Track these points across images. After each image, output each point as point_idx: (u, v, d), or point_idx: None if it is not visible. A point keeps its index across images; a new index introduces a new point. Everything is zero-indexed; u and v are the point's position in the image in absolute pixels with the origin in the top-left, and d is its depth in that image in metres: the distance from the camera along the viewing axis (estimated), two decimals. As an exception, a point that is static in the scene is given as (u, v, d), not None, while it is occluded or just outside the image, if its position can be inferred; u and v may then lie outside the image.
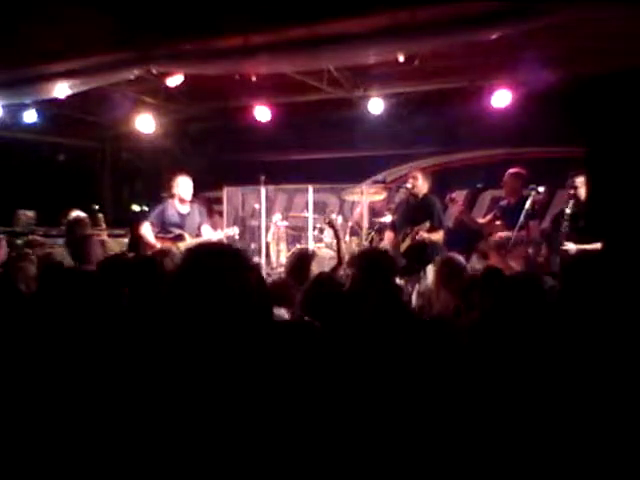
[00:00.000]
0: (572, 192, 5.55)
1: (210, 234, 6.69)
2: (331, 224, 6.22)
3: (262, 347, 1.53)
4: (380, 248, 5.89)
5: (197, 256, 1.60)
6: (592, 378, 2.03)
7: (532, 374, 2.10)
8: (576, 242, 5.42)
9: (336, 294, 3.24)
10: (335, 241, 6.27)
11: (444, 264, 4.21)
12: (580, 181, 5.56)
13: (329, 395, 1.72)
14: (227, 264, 1.56)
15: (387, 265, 3.40)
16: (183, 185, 6.59)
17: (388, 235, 6.75)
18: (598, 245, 5.37)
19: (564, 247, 5.40)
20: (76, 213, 7.55)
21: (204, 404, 1.43)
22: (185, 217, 6.63)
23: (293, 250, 7.96)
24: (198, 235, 6.63)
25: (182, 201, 6.61)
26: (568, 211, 5.48)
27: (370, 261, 3.39)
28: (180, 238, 6.47)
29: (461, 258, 4.31)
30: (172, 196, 6.66)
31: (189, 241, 6.45)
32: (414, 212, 6.39)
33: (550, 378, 2.08)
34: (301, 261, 4.51)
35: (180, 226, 6.57)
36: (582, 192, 5.55)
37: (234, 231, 7.05)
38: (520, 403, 1.99)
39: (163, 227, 6.56)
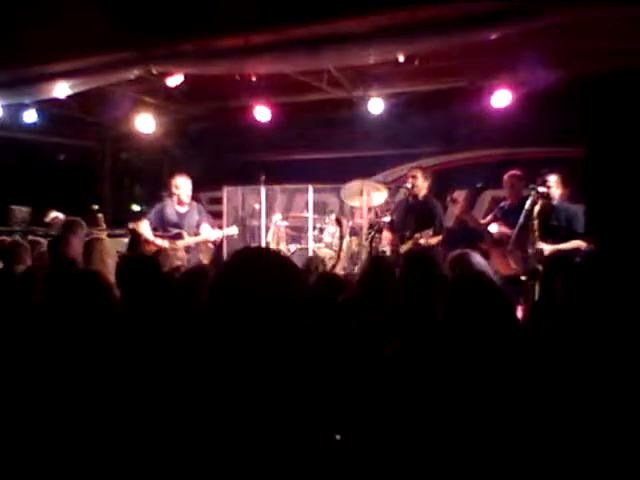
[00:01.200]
0: (545, 191, 5.57)
1: (209, 233, 6.69)
2: (339, 222, 6.24)
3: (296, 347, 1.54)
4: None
5: (248, 260, 1.60)
6: (587, 382, 2.03)
7: (527, 376, 2.10)
8: (548, 241, 5.45)
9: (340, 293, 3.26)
10: (338, 239, 6.30)
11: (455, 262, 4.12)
12: (553, 180, 5.59)
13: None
14: (277, 271, 1.56)
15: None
16: (182, 186, 6.59)
17: (386, 235, 6.74)
18: (573, 243, 5.42)
19: (538, 247, 5.42)
20: (55, 214, 7.53)
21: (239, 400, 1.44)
22: (184, 216, 6.64)
23: (294, 251, 7.99)
24: (197, 234, 6.64)
25: (181, 202, 6.61)
26: (537, 208, 5.51)
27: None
28: (178, 237, 6.48)
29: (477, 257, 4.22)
30: (171, 196, 6.66)
31: (187, 240, 6.48)
32: (415, 214, 6.36)
33: (545, 378, 2.08)
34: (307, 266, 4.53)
35: (179, 225, 6.58)
36: (554, 192, 5.58)
37: (233, 231, 7.05)
38: (516, 402, 1.99)
39: (161, 226, 6.56)
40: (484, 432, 1.86)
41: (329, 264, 5.61)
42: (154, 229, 6.53)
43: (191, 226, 6.64)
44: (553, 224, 5.56)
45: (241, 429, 1.41)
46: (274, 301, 1.50)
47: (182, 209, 6.64)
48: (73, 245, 4.93)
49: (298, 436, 1.46)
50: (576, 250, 5.43)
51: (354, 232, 7.76)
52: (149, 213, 6.79)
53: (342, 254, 5.45)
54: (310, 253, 7.65)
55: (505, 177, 6.26)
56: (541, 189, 5.66)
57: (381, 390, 2.02)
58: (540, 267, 5.33)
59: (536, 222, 5.47)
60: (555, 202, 5.61)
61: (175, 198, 6.62)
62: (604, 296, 2.20)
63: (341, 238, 5.58)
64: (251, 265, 1.57)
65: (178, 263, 5.71)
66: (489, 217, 6.42)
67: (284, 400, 1.46)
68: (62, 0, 5.37)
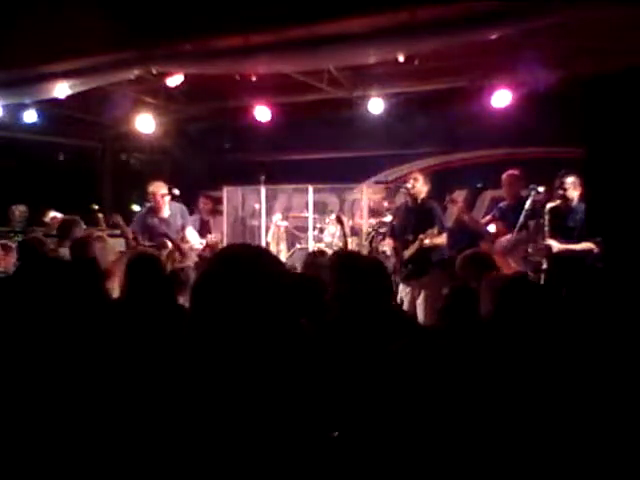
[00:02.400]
0: (562, 192, 5.57)
1: (195, 239, 6.64)
2: (340, 221, 6.25)
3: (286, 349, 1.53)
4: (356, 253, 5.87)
5: (233, 258, 1.60)
6: (589, 381, 2.03)
7: (530, 373, 2.10)
8: (560, 241, 5.46)
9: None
10: (342, 238, 6.31)
11: (473, 260, 4.12)
12: (570, 182, 5.58)
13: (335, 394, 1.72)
14: (263, 268, 1.56)
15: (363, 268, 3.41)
16: (156, 191, 6.49)
17: (388, 242, 6.73)
18: (584, 245, 5.42)
19: (546, 243, 5.43)
20: (53, 214, 7.52)
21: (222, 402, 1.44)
22: (166, 221, 6.54)
23: (293, 251, 8.00)
24: (183, 238, 6.57)
25: (160, 208, 6.52)
26: (550, 205, 5.52)
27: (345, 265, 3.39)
28: (162, 247, 6.39)
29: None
30: (150, 202, 6.59)
31: (171, 249, 6.40)
32: (415, 218, 6.34)
33: (549, 378, 2.08)
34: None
35: (162, 233, 6.49)
36: (571, 193, 5.57)
37: (217, 238, 6.99)
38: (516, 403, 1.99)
39: (145, 234, 6.49)
40: (487, 431, 1.86)
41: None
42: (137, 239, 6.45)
43: (175, 230, 6.54)
44: (569, 225, 5.56)
45: (236, 427, 1.41)
46: (259, 297, 1.49)
47: (163, 214, 6.56)
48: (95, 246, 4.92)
49: (294, 434, 1.45)
50: (588, 252, 5.42)
51: (354, 232, 7.77)
52: (132, 224, 6.71)
53: None
54: (310, 253, 7.66)
55: (503, 177, 6.27)
56: (540, 189, 5.69)
57: (381, 387, 2.02)
58: (545, 263, 5.35)
59: (547, 217, 5.48)
60: (574, 204, 5.61)
61: (154, 204, 6.54)
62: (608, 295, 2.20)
63: (345, 236, 5.61)
64: (233, 262, 1.56)
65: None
66: (488, 217, 6.43)
67: (278, 398, 1.46)
68: (62, 0, 5.37)
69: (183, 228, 6.63)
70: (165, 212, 6.55)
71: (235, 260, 1.57)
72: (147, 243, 6.40)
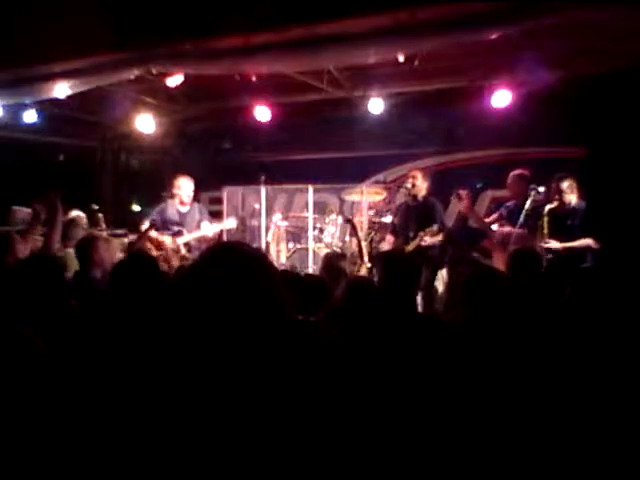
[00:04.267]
0: (558, 197, 5.61)
1: (208, 229, 6.78)
2: (351, 222, 6.30)
3: (271, 347, 1.53)
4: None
5: (217, 255, 1.60)
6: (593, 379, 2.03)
7: (527, 372, 2.10)
8: (560, 240, 5.49)
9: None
10: (356, 242, 6.35)
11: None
12: (566, 186, 5.61)
13: (331, 395, 1.72)
14: (245, 263, 1.56)
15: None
16: (184, 186, 6.71)
17: (389, 239, 6.76)
18: (583, 242, 5.46)
19: (547, 244, 5.48)
20: (76, 212, 7.53)
21: (209, 400, 1.44)
22: (185, 216, 6.79)
23: (293, 251, 8.01)
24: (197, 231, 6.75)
25: (182, 202, 6.71)
26: (549, 207, 5.55)
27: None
28: (178, 234, 6.60)
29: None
30: (173, 196, 6.74)
31: (187, 237, 6.62)
32: (416, 215, 6.37)
33: (546, 376, 2.08)
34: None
35: (180, 224, 6.70)
36: (568, 197, 5.60)
37: (232, 224, 7.08)
38: (515, 399, 1.99)
39: (163, 225, 6.68)
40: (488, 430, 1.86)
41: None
42: (156, 229, 6.64)
43: (192, 225, 6.76)
44: (568, 224, 5.60)
45: (233, 428, 1.41)
46: (244, 294, 1.49)
47: (183, 209, 6.78)
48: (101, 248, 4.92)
49: (292, 435, 1.45)
50: (586, 248, 5.48)
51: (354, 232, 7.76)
52: (151, 215, 6.90)
53: (363, 254, 5.65)
54: (310, 253, 7.67)
55: (509, 176, 6.27)
56: (541, 189, 5.71)
57: (376, 390, 2.02)
58: (545, 264, 5.38)
59: (546, 219, 5.51)
60: (573, 204, 5.64)
61: (177, 198, 6.74)
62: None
63: (358, 240, 5.76)
64: (220, 260, 1.56)
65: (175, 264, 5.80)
66: (494, 216, 6.42)
67: (274, 400, 1.46)
68: (62, 0, 5.37)
69: (199, 224, 6.78)
70: (185, 207, 6.77)
71: (221, 257, 1.57)
72: (164, 232, 6.64)
